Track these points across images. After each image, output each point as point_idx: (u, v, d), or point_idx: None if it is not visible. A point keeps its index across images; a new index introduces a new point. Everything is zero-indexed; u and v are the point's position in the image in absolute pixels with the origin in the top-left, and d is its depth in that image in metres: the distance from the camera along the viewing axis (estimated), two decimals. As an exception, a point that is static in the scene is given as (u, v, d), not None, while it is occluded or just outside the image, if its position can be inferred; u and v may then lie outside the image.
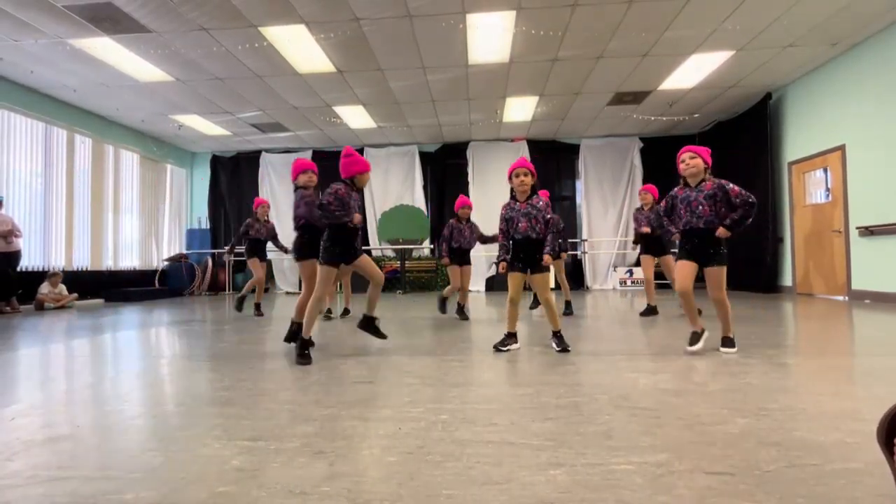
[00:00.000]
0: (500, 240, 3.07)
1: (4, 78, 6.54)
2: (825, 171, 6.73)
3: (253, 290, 5.47)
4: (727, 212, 2.72)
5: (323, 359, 2.84)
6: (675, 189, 2.93)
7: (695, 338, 2.82)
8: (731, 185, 2.70)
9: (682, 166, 2.81)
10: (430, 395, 2.00)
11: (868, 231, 5.80)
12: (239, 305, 5.43)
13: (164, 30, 5.32)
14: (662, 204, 2.97)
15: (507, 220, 3.06)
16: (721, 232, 2.68)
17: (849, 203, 6.17)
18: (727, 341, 2.85)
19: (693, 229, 2.79)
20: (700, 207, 2.75)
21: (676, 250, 3.06)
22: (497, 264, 3.06)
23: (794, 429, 1.54)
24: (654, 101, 7.84)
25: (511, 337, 3.04)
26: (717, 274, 2.75)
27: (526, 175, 2.98)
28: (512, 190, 3.07)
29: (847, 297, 6.20)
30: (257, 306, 5.35)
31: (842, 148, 6.27)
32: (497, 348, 3.00)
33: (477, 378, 2.31)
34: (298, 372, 2.49)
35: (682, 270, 2.81)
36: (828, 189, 6.69)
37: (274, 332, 4.07)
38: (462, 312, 4.71)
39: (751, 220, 2.67)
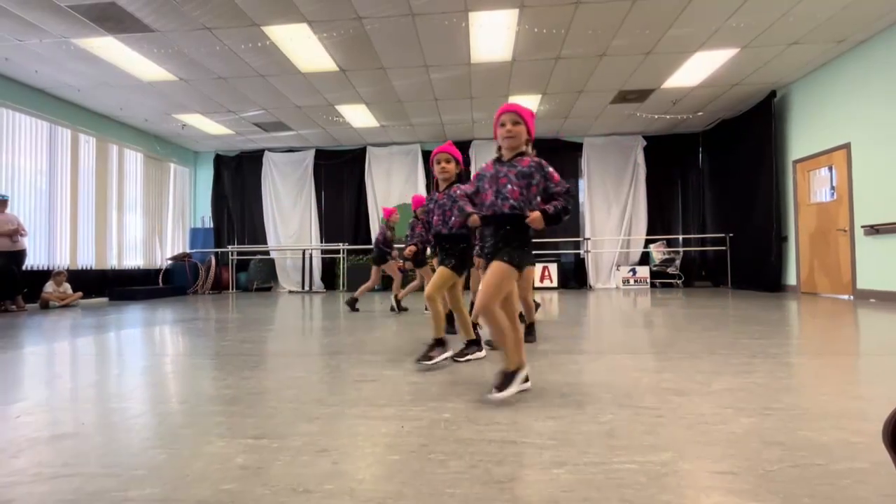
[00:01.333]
0: (419, 230, 2.88)
1: (9, 78, 6.58)
2: (830, 169, 6.69)
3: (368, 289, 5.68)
4: (542, 202, 2.04)
5: (326, 357, 2.84)
6: (485, 165, 2.17)
7: (506, 379, 1.92)
8: (551, 169, 2.03)
9: (500, 131, 2.06)
10: (433, 394, 2.00)
11: (873, 230, 5.76)
12: (398, 307, 5.36)
13: (168, 29, 5.33)
14: (468, 186, 2.23)
15: (427, 213, 2.80)
16: (535, 217, 1.92)
17: (854, 201, 6.13)
18: (502, 379, 1.91)
19: (497, 215, 2.03)
20: (508, 186, 2.02)
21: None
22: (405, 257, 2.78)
23: (799, 428, 1.53)
24: (657, 100, 7.80)
25: (440, 345, 2.60)
26: (497, 272, 1.94)
27: (448, 161, 2.64)
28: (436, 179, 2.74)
29: (852, 297, 6.17)
30: (399, 302, 5.39)
31: (847, 146, 6.23)
32: (437, 359, 2.55)
33: (479, 377, 2.31)
34: (301, 370, 2.49)
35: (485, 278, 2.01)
36: (833, 187, 6.65)
37: (276, 330, 4.08)
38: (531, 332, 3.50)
39: (568, 216, 2.01)
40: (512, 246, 1.98)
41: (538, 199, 2.02)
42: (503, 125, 2.05)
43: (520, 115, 2.05)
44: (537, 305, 4.89)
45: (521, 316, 3.90)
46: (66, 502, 1.12)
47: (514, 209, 2.00)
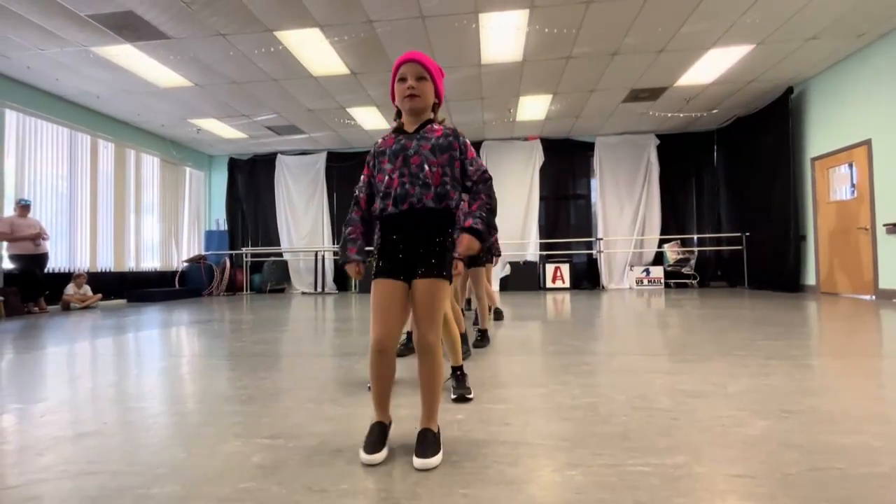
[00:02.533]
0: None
1: (31, 86, 6.77)
2: (850, 166, 6.54)
3: None
4: (455, 190, 1.46)
5: (339, 359, 2.87)
6: (379, 142, 1.56)
7: (379, 437, 1.39)
8: (468, 140, 1.51)
9: (399, 88, 1.49)
10: (445, 395, 2.01)
11: (896, 228, 5.62)
12: None
13: (183, 36, 5.43)
14: (363, 178, 1.55)
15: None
16: (466, 246, 1.36)
17: (875, 199, 5.99)
18: (427, 439, 1.36)
19: (412, 211, 1.41)
20: (426, 168, 1.42)
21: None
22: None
23: (817, 431, 1.51)
24: (670, 98, 7.71)
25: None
26: (431, 291, 1.38)
27: None
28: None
29: (874, 297, 6.02)
30: None
31: (867, 142, 6.08)
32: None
33: (491, 378, 2.31)
34: (315, 372, 2.52)
35: (384, 302, 1.39)
36: (853, 185, 6.50)
37: (290, 331, 4.13)
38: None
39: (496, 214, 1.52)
40: (445, 252, 1.42)
41: (452, 185, 1.46)
42: (402, 80, 1.47)
43: (425, 68, 1.47)
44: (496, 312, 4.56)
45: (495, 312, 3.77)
46: (91, 499, 1.16)
47: (441, 198, 1.42)
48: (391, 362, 1.43)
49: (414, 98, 1.45)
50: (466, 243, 1.36)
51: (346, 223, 1.51)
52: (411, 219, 1.41)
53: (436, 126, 1.50)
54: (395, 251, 1.43)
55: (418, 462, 1.30)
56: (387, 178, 1.44)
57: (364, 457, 1.33)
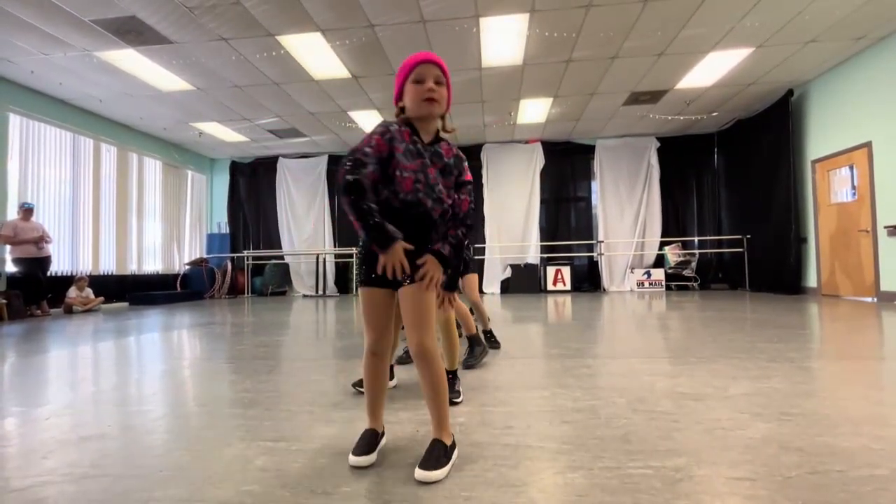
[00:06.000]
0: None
1: (35, 90, 6.80)
2: (851, 168, 6.55)
3: None
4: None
5: (341, 362, 2.88)
6: (393, 126, 1.39)
7: (369, 442, 1.41)
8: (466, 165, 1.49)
9: (416, 89, 1.36)
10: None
11: (897, 230, 5.62)
12: None
13: (186, 41, 5.47)
14: (372, 150, 1.31)
15: None
16: (428, 266, 1.34)
17: (876, 201, 5.99)
18: (433, 451, 1.31)
19: (415, 219, 1.36)
20: (440, 185, 1.39)
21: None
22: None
23: (818, 434, 1.51)
24: (671, 101, 7.73)
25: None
26: (419, 297, 1.35)
27: None
28: None
29: (876, 299, 6.01)
30: None
31: (868, 145, 6.09)
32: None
33: (492, 381, 2.32)
34: (317, 375, 2.53)
35: (374, 310, 1.41)
36: (854, 187, 6.51)
37: (292, 335, 4.14)
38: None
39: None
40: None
41: None
42: (419, 81, 1.36)
43: (444, 73, 1.39)
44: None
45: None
46: (95, 502, 1.17)
47: (444, 215, 1.42)
48: (383, 366, 1.45)
49: (433, 102, 1.36)
50: (429, 266, 1.33)
51: (361, 209, 1.25)
52: (410, 227, 1.33)
53: (444, 143, 1.45)
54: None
55: (419, 473, 1.25)
56: (398, 173, 1.32)
57: (351, 458, 1.35)
